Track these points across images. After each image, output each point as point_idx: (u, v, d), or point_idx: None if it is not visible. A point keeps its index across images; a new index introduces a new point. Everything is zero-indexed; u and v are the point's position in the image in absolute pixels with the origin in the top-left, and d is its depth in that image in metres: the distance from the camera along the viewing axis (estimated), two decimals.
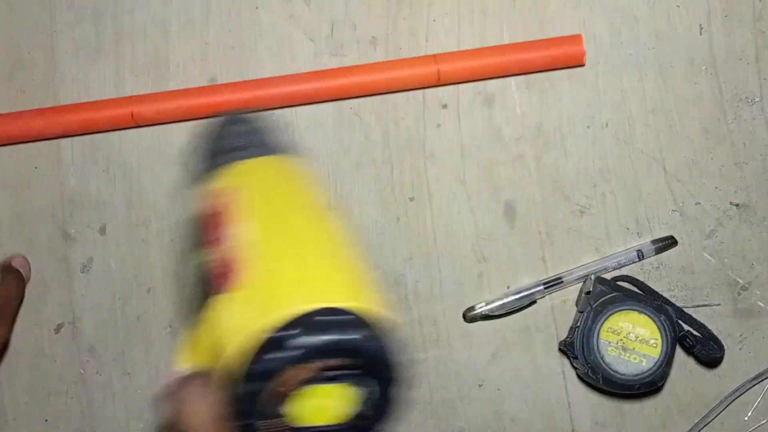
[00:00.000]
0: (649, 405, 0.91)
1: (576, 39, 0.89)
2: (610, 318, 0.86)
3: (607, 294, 0.86)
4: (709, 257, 0.90)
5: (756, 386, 0.90)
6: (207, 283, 0.53)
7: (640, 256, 0.90)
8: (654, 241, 0.90)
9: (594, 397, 0.91)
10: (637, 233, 0.91)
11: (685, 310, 0.89)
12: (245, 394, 0.47)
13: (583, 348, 0.86)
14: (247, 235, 0.54)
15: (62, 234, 0.92)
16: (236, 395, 0.47)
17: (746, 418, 0.90)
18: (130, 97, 0.91)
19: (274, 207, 0.59)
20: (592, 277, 0.88)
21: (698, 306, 0.90)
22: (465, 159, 0.91)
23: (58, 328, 0.92)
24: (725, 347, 0.88)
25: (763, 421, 0.90)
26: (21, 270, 0.90)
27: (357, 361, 0.48)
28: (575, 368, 0.89)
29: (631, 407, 0.91)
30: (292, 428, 0.49)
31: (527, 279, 0.91)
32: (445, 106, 0.91)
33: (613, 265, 0.90)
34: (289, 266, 0.52)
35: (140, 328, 0.92)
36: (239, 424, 0.48)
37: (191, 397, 0.53)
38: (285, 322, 0.47)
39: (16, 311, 0.90)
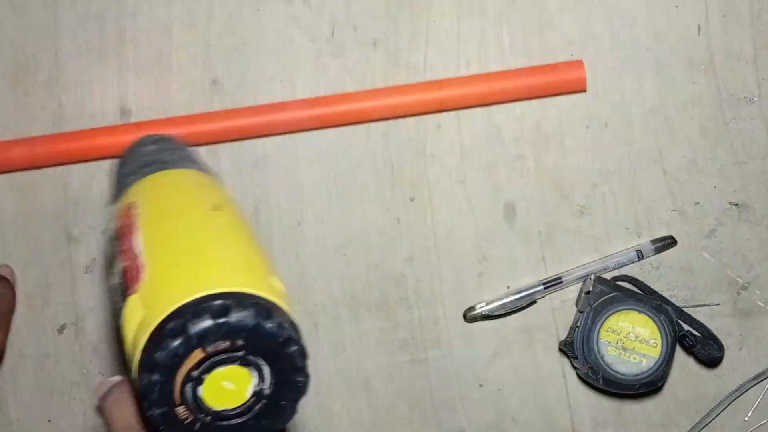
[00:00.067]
0: (649, 405, 0.91)
1: (577, 65, 0.90)
2: (610, 318, 0.86)
3: (607, 294, 0.86)
4: (708, 257, 0.90)
5: (756, 386, 0.90)
6: (123, 291, 0.56)
7: (640, 255, 0.90)
8: (653, 241, 0.90)
9: (594, 397, 0.91)
10: (637, 233, 0.91)
11: (685, 309, 0.89)
12: (147, 384, 0.49)
13: (583, 348, 0.86)
14: (144, 241, 0.58)
15: (66, 235, 0.93)
16: (140, 387, 0.49)
17: (746, 418, 0.90)
18: (138, 124, 0.91)
19: (166, 213, 0.63)
20: (592, 276, 0.88)
21: (698, 306, 0.90)
22: (465, 159, 0.91)
23: (62, 329, 0.93)
24: (725, 347, 0.88)
25: (763, 421, 0.90)
26: (9, 278, 0.91)
27: (243, 341, 0.49)
28: (575, 368, 0.89)
29: (631, 407, 0.91)
30: (196, 417, 0.51)
31: (527, 279, 0.91)
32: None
33: (613, 264, 0.90)
34: (179, 262, 0.55)
35: None
36: (151, 415, 0.50)
37: (115, 403, 0.58)
38: (172, 312, 0.50)
39: (11, 318, 0.90)
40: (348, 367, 0.92)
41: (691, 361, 0.90)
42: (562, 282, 0.90)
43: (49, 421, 0.93)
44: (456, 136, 0.91)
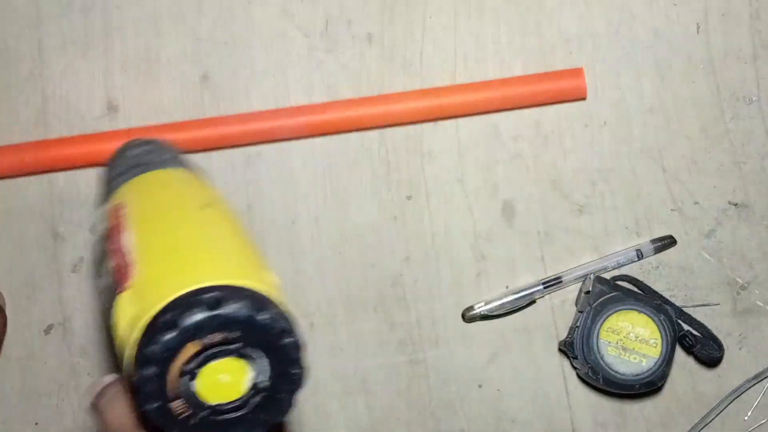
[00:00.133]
0: (649, 405, 0.91)
1: (576, 73, 0.90)
2: (610, 318, 0.86)
3: (607, 294, 0.86)
4: (708, 257, 0.90)
5: (756, 386, 0.90)
6: (113, 290, 0.56)
7: (640, 255, 0.90)
8: (653, 241, 0.90)
9: (594, 397, 0.91)
10: (636, 233, 0.90)
11: (685, 309, 0.89)
12: (141, 379, 0.48)
13: (582, 348, 0.86)
14: (133, 239, 0.58)
15: (52, 233, 0.91)
16: (135, 381, 0.49)
17: (746, 418, 0.90)
18: (128, 130, 0.90)
19: (155, 211, 0.63)
20: (592, 276, 0.88)
21: (698, 305, 0.90)
22: (463, 157, 0.91)
23: (48, 329, 0.91)
24: (725, 347, 0.89)
25: (763, 421, 0.90)
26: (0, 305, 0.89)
27: (238, 333, 0.49)
28: (575, 368, 0.89)
29: (631, 407, 0.91)
30: (192, 411, 0.50)
31: (526, 278, 0.91)
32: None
33: (613, 264, 0.90)
34: (169, 258, 0.55)
35: None
36: (147, 409, 0.49)
37: (109, 403, 0.56)
38: (165, 306, 0.49)
39: (1, 343, 0.89)
40: (345, 368, 0.91)
41: (691, 361, 0.90)
42: (561, 282, 0.89)
43: (36, 423, 0.91)
44: (454, 134, 0.90)
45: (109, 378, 0.59)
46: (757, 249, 0.90)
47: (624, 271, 0.90)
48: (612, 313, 0.86)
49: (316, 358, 0.90)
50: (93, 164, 0.89)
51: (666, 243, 0.90)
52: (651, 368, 0.85)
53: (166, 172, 0.72)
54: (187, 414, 0.50)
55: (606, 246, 0.91)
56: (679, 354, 0.90)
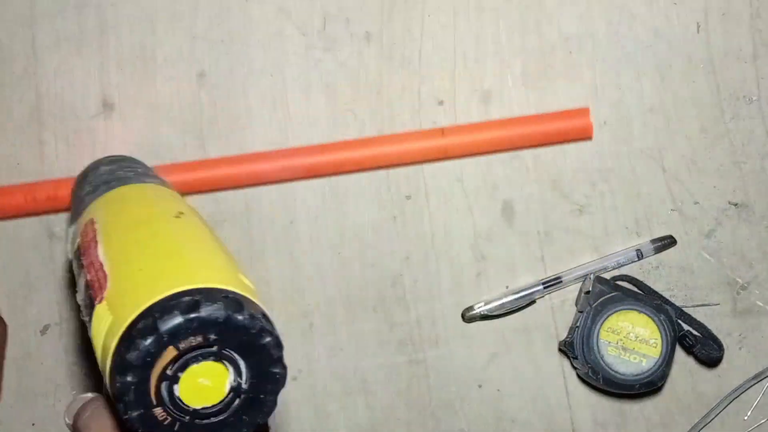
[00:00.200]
0: (649, 405, 0.91)
1: (582, 112, 0.89)
2: (610, 318, 0.86)
3: (607, 294, 0.86)
4: (708, 257, 0.90)
5: (756, 386, 0.91)
6: (89, 304, 0.56)
7: (640, 255, 0.90)
8: (653, 241, 0.90)
9: (594, 397, 0.91)
10: (636, 233, 0.90)
11: (685, 309, 0.89)
12: (122, 386, 0.48)
13: (582, 348, 0.86)
14: (105, 252, 0.58)
15: (48, 234, 0.90)
16: (116, 390, 0.49)
17: (746, 418, 0.91)
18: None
19: (127, 223, 0.63)
20: (592, 276, 0.88)
21: (697, 305, 0.90)
22: (462, 157, 0.90)
23: (45, 329, 0.90)
24: (725, 347, 0.89)
25: (763, 421, 0.90)
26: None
27: (216, 335, 0.49)
28: (575, 368, 0.89)
29: (631, 407, 0.91)
30: (174, 417, 0.50)
31: (526, 278, 0.91)
32: (441, 103, 0.90)
33: (613, 264, 0.90)
34: (143, 266, 0.54)
35: None
36: (130, 418, 0.49)
37: (90, 419, 0.58)
38: (141, 312, 0.49)
39: (3, 359, 0.88)
40: (345, 368, 0.91)
41: (691, 361, 0.91)
42: (561, 282, 0.89)
43: (33, 424, 0.91)
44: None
45: (88, 395, 0.60)
46: (757, 249, 0.91)
47: (624, 271, 0.90)
48: (612, 313, 0.86)
49: (316, 358, 0.90)
50: None
51: (666, 243, 0.90)
52: (651, 368, 0.85)
53: (136, 186, 0.73)
54: (169, 420, 0.50)
55: (606, 246, 0.91)
56: (679, 354, 0.90)
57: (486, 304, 0.90)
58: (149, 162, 0.85)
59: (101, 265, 0.56)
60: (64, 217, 0.90)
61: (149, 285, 0.51)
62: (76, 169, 0.89)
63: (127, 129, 0.90)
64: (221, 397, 0.50)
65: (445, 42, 0.90)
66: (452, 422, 0.91)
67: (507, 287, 0.91)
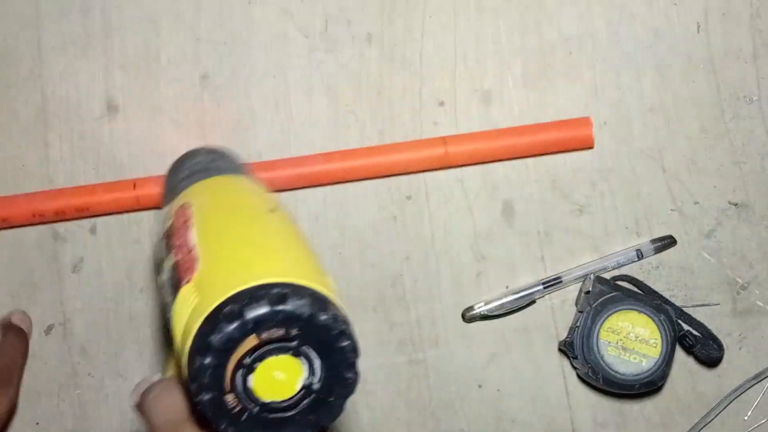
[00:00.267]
0: (649, 405, 0.91)
1: (585, 122, 0.90)
2: (610, 318, 0.86)
3: (607, 294, 0.86)
4: (708, 257, 0.90)
5: (756, 386, 0.90)
6: (174, 285, 0.57)
7: (640, 255, 0.89)
8: (653, 241, 0.90)
9: (594, 397, 0.91)
10: (636, 233, 0.90)
11: (685, 309, 0.89)
12: (199, 368, 0.49)
13: (582, 348, 0.86)
14: (198, 236, 0.59)
15: (52, 234, 0.91)
16: (193, 371, 0.49)
17: (746, 418, 0.90)
18: (134, 181, 0.90)
19: (221, 211, 0.65)
20: (592, 276, 0.88)
21: (697, 305, 0.90)
22: (464, 166, 0.90)
23: (49, 330, 0.91)
24: (725, 347, 0.89)
25: (763, 421, 0.90)
26: (22, 326, 0.89)
27: (298, 331, 0.50)
28: (575, 368, 0.89)
29: (631, 407, 0.91)
30: (244, 406, 0.51)
31: (526, 279, 0.91)
32: (442, 104, 0.90)
33: (613, 264, 0.90)
34: (235, 254, 0.56)
35: (133, 329, 0.91)
36: (202, 400, 0.50)
37: (156, 399, 0.57)
38: (229, 297, 0.50)
39: (22, 371, 0.89)
40: None
41: (691, 361, 0.91)
42: (561, 282, 0.89)
43: (38, 423, 0.91)
44: (453, 133, 0.90)
45: (156, 376, 0.60)
46: (757, 249, 0.90)
47: (624, 271, 0.90)
48: (612, 313, 0.86)
49: None
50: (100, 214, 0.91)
51: (666, 243, 0.90)
52: (651, 368, 0.85)
53: (231, 177, 0.74)
54: (238, 408, 0.50)
55: (606, 246, 0.90)
56: (679, 354, 0.90)
57: (486, 304, 0.90)
58: (150, 162, 0.86)
59: (192, 248, 0.58)
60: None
61: (240, 272, 0.52)
62: (80, 171, 0.90)
63: (130, 131, 0.91)
64: (292, 393, 0.51)
65: (446, 43, 0.91)
66: (452, 422, 0.91)
67: (507, 287, 0.91)
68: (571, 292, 0.90)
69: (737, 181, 0.90)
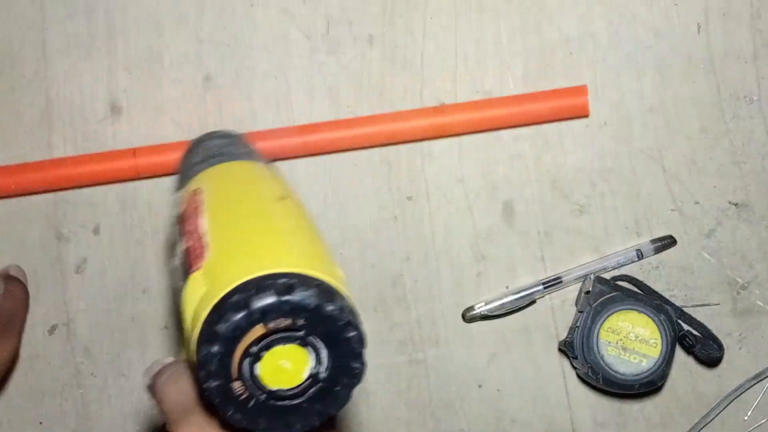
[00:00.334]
0: (649, 405, 0.91)
1: (580, 90, 0.90)
2: (610, 318, 0.85)
3: (607, 294, 0.86)
4: (708, 257, 0.90)
5: (756, 386, 0.90)
6: (184, 270, 0.57)
7: (640, 255, 0.89)
8: (653, 241, 0.90)
9: (594, 397, 0.91)
10: (636, 233, 0.90)
11: (685, 309, 0.89)
12: (207, 355, 0.50)
13: (582, 348, 0.86)
14: (209, 222, 0.60)
15: (55, 234, 0.91)
16: (200, 358, 0.50)
17: (746, 418, 0.90)
18: (134, 149, 0.90)
19: (232, 198, 0.65)
20: (592, 276, 0.88)
21: (697, 305, 0.90)
22: (463, 158, 0.91)
23: (52, 330, 0.91)
24: (725, 347, 0.88)
25: (763, 421, 0.90)
26: (21, 278, 0.89)
27: (304, 321, 0.50)
28: (575, 368, 0.89)
29: (631, 407, 0.91)
30: (251, 393, 0.51)
31: (526, 279, 0.91)
32: (443, 104, 0.91)
33: (613, 264, 0.90)
34: (244, 242, 0.56)
35: (136, 329, 0.91)
36: (209, 387, 0.50)
37: (168, 381, 0.59)
38: (237, 286, 0.51)
39: (24, 320, 0.89)
40: None
41: (691, 361, 0.90)
42: (561, 282, 0.89)
43: (41, 423, 0.92)
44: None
45: (169, 359, 0.61)
46: (757, 249, 0.90)
47: (624, 271, 0.90)
48: (612, 313, 0.86)
49: None
50: (100, 183, 0.91)
51: (666, 243, 0.90)
52: (651, 368, 0.85)
53: (244, 163, 0.74)
54: (245, 396, 0.51)
55: (606, 246, 0.90)
56: (679, 354, 0.89)
57: (486, 304, 0.90)
58: None
59: (202, 234, 0.58)
60: (71, 218, 0.91)
61: (247, 262, 0.53)
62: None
63: (134, 132, 0.91)
64: (299, 382, 0.51)
65: (447, 43, 0.91)
66: (452, 422, 0.91)
67: (507, 287, 0.91)
68: (571, 292, 0.90)
69: (737, 181, 0.90)
